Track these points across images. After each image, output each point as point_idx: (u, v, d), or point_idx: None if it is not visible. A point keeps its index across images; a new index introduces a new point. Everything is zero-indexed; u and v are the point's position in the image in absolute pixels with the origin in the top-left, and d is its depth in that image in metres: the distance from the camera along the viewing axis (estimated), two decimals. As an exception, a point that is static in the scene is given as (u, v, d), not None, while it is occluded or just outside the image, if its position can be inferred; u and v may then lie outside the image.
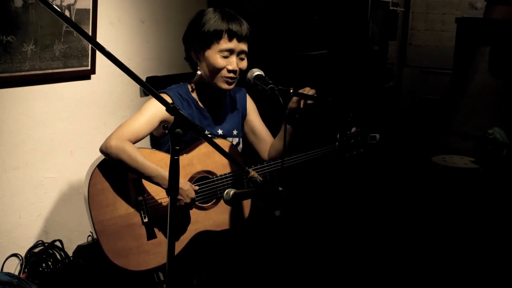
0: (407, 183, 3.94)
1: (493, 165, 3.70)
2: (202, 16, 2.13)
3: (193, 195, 2.03)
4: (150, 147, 2.24)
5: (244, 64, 2.16)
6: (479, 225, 3.37)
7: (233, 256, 2.24)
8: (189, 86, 2.22)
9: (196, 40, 2.14)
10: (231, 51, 2.10)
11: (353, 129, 2.33)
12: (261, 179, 1.90)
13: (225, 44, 2.09)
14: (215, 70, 2.11)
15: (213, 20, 2.09)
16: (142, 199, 2.05)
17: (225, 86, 2.14)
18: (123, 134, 2.01)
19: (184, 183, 2.02)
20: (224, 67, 2.10)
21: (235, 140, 2.31)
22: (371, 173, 3.73)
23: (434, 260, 3.15)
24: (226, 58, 2.10)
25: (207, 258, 2.19)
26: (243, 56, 2.15)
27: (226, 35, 2.09)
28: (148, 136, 2.18)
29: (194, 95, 2.21)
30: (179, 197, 2.00)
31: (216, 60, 2.10)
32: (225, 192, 1.97)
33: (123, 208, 2.02)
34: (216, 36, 2.09)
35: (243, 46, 2.13)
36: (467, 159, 3.88)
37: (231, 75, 2.12)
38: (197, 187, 2.07)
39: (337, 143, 2.28)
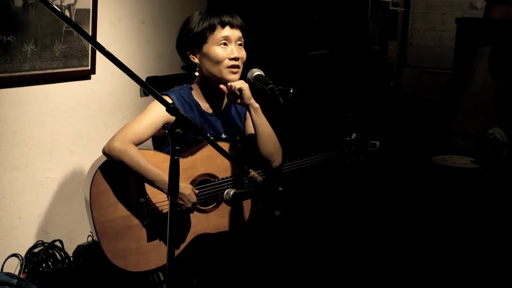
0: (407, 183, 3.94)
1: (493, 165, 3.70)
2: (190, 20, 2.16)
3: (194, 199, 2.02)
4: (153, 148, 2.24)
5: (243, 52, 2.16)
6: (479, 225, 3.37)
7: (233, 257, 2.24)
8: (193, 88, 2.20)
9: (191, 41, 2.14)
10: (228, 39, 2.11)
11: (353, 136, 2.31)
12: (261, 179, 1.90)
13: (219, 33, 2.10)
14: (218, 62, 2.10)
15: (202, 19, 2.12)
16: (144, 201, 2.04)
17: (231, 76, 2.12)
18: (126, 136, 2.00)
19: (185, 188, 2.00)
20: (225, 57, 2.10)
21: (238, 146, 2.27)
22: (371, 174, 3.73)
23: (434, 259, 3.14)
24: (225, 47, 2.10)
25: (207, 259, 2.19)
26: (240, 42, 2.15)
27: (219, 25, 2.10)
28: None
29: (196, 98, 2.18)
30: (180, 201, 1.98)
31: (215, 51, 2.10)
32: (225, 192, 1.97)
33: (125, 209, 2.02)
34: (210, 29, 2.10)
35: (238, 33, 2.14)
36: (467, 159, 3.88)
37: (233, 62, 2.11)
38: (197, 190, 2.06)
39: (336, 150, 2.26)
